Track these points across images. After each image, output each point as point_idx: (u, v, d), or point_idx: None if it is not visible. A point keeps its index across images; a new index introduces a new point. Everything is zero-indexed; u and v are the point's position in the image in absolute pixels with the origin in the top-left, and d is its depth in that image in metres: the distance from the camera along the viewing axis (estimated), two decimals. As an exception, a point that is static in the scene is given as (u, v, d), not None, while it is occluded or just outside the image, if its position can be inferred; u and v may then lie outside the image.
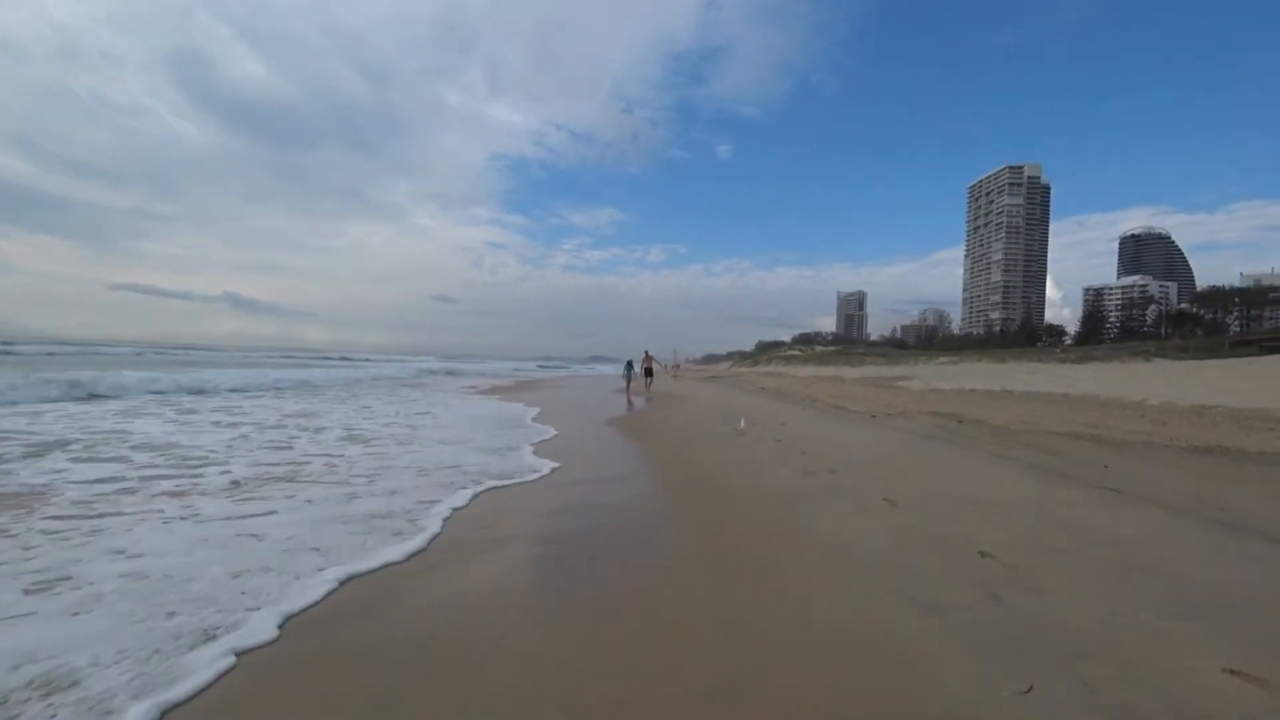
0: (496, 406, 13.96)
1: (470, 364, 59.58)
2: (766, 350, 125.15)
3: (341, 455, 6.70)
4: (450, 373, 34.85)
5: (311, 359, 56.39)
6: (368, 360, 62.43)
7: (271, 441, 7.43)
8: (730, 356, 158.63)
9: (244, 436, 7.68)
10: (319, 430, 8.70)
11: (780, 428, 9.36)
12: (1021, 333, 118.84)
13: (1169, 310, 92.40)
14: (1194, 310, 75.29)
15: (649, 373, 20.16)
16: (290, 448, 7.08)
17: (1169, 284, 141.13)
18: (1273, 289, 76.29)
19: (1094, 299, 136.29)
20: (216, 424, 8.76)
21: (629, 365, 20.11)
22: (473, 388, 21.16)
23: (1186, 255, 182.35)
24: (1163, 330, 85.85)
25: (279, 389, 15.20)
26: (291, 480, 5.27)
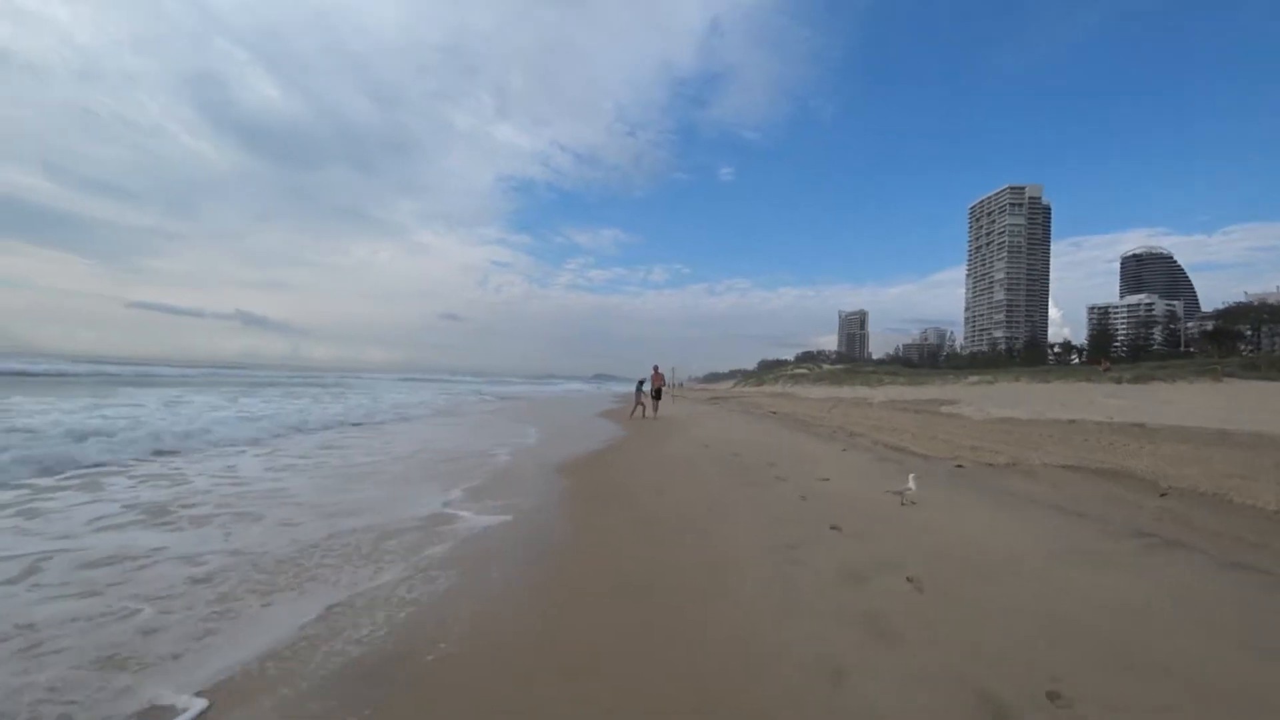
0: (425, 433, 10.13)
1: (487, 384, 55.97)
2: (771, 369, 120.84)
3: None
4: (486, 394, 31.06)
5: (319, 377, 52.76)
6: (424, 379, 58.24)
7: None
8: (733, 375, 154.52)
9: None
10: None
11: (821, 487, 5.49)
12: (1029, 351, 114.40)
13: (1202, 328, 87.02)
14: (1228, 327, 70.14)
15: (657, 395, 16.37)
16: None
17: (1175, 302, 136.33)
18: (1294, 305, 71.70)
19: (1100, 317, 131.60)
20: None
21: (641, 384, 16.44)
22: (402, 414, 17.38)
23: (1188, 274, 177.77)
24: (1180, 348, 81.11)
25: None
26: None
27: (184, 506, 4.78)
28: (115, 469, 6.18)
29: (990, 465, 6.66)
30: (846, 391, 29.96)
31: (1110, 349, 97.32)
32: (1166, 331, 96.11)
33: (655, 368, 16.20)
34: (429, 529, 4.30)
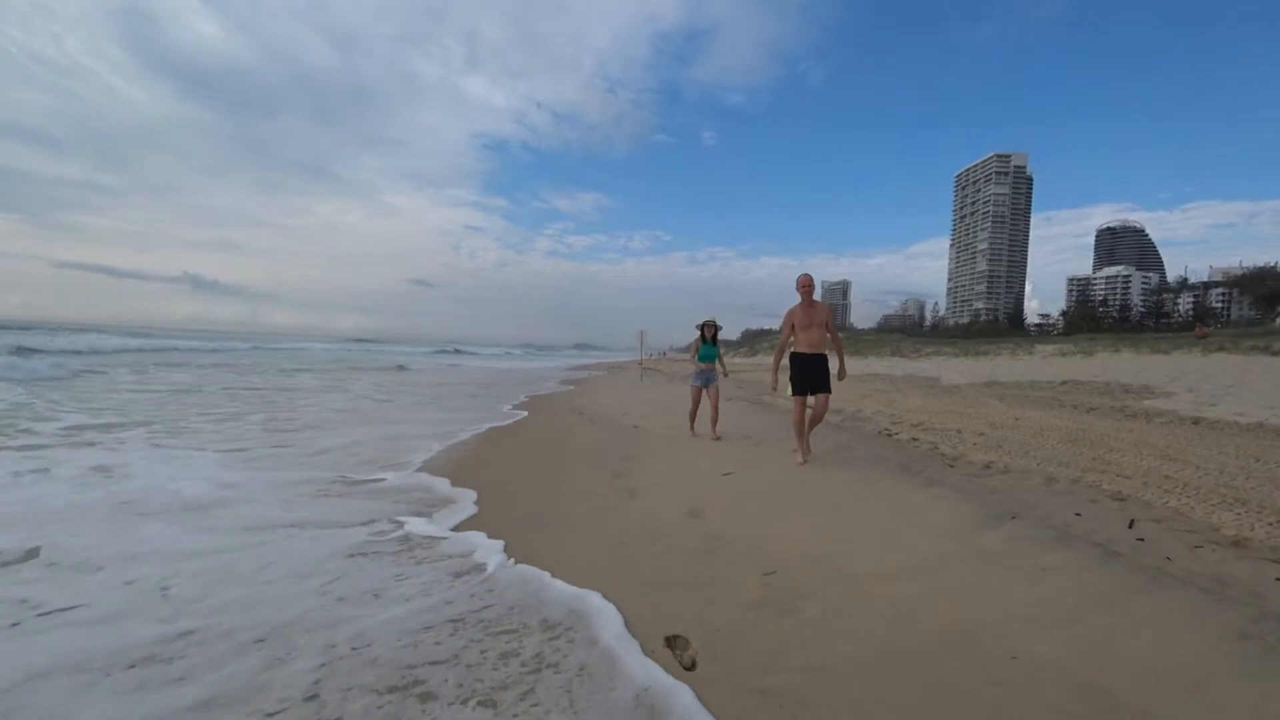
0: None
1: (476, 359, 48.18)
2: (757, 338, 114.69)
3: None
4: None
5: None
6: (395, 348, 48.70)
7: None
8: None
9: None
10: None
11: None
12: (1012, 322, 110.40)
13: (1200, 299, 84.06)
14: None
15: (715, 375, 6.85)
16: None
17: (1150, 274, 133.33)
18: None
19: (1080, 289, 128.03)
20: None
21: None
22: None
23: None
24: (1163, 319, 76.96)
25: None
26: None
27: None
28: None
29: None
30: (878, 364, 23.34)
31: (1095, 320, 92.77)
32: (1153, 302, 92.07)
33: (710, 324, 6.72)
34: None
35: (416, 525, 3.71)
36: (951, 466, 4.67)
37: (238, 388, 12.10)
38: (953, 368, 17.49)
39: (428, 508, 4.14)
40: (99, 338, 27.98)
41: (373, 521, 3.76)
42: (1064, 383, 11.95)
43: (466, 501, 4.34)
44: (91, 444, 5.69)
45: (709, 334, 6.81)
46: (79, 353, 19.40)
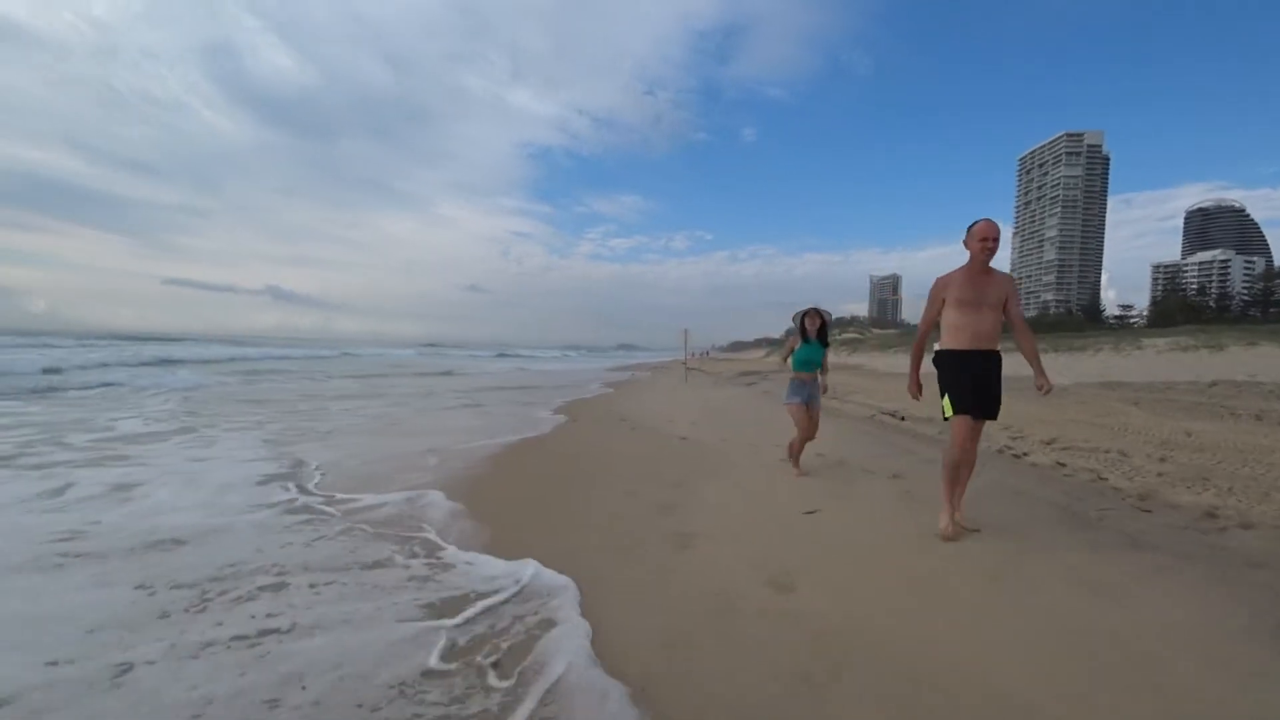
0: None
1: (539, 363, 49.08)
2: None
3: None
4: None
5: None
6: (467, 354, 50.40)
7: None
8: (759, 344, 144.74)
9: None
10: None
11: None
12: (1088, 314, 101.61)
13: None
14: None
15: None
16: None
17: (1254, 258, 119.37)
18: None
19: (1168, 277, 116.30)
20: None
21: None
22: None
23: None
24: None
25: None
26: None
27: None
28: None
29: None
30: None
31: (1200, 307, 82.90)
32: (1259, 289, 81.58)
33: (816, 312, 4.61)
34: None
35: (415, 566, 2.69)
36: (1146, 511, 3.27)
37: (405, 394, 11.77)
38: (1047, 365, 15.30)
39: (429, 547, 3.12)
40: (219, 348, 31.46)
41: (363, 568, 2.77)
42: (1213, 384, 9.87)
43: (472, 540, 3.32)
44: (121, 458, 5.04)
45: (812, 328, 4.55)
46: (205, 362, 21.26)
